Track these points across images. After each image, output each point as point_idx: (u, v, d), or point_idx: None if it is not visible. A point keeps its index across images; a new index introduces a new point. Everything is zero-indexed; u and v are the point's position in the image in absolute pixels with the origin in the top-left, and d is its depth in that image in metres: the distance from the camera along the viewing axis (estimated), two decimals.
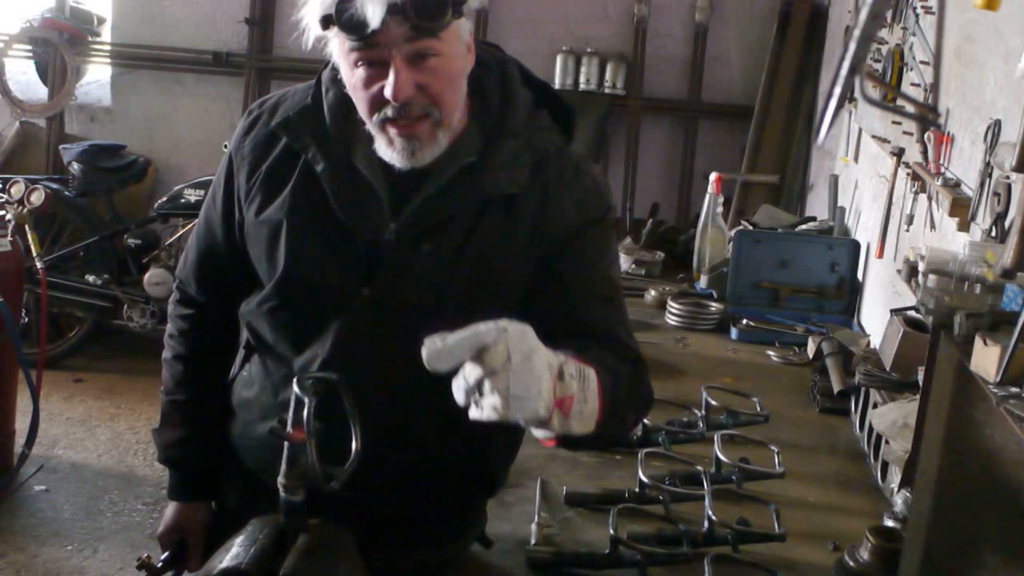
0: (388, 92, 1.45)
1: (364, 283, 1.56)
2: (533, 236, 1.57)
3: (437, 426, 1.62)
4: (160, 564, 1.76)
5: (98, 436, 4.58)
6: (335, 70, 1.58)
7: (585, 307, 1.58)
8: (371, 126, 1.52)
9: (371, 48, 1.44)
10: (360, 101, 1.51)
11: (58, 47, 5.68)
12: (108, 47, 5.90)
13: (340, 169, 1.57)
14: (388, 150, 1.51)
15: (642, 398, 1.56)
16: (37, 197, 4.71)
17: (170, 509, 1.82)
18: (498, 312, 1.56)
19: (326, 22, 1.45)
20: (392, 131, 1.49)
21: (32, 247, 4.58)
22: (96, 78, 5.97)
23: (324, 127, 1.59)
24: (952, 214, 2.37)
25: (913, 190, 2.86)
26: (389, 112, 1.47)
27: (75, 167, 5.31)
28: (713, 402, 2.37)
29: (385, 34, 1.42)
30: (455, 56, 1.49)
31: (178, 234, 5.20)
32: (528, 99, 1.62)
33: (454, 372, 1.58)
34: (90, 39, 5.84)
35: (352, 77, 1.50)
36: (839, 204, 4.09)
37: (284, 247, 1.59)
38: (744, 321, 3.26)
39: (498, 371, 1.15)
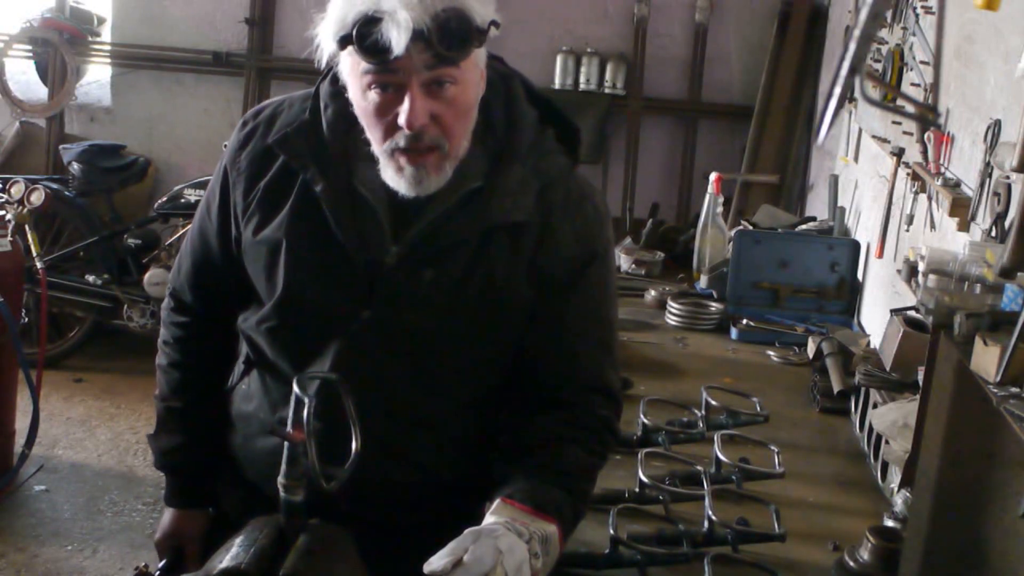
0: (402, 120, 1.42)
1: (364, 305, 1.54)
2: (533, 262, 1.56)
3: (436, 444, 1.61)
4: (157, 572, 1.75)
5: (98, 436, 4.58)
6: (334, 84, 1.55)
7: (581, 352, 1.60)
8: (380, 152, 1.49)
9: (388, 73, 1.42)
10: (372, 127, 1.48)
11: (58, 47, 5.68)
12: (108, 47, 5.90)
13: (340, 190, 1.54)
14: (396, 177, 1.49)
15: (604, 458, 1.64)
16: (37, 197, 4.71)
17: (167, 515, 1.81)
18: (499, 339, 1.59)
19: (344, 42, 1.42)
20: (402, 160, 1.47)
21: (32, 247, 4.59)
22: (96, 78, 5.97)
23: (323, 145, 1.56)
24: (952, 214, 2.37)
25: (913, 190, 2.86)
26: (401, 142, 1.45)
27: (75, 167, 5.31)
28: (713, 402, 2.37)
29: (405, 60, 1.39)
30: (471, 84, 1.48)
31: (178, 234, 5.20)
32: (533, 118, 1.60)
33: (458, 393, 1.59)
34: (90, 39, 5.84)
35: (363, 100, 1.47)
36: (839, 204, 4.09)
37: (283, 268, 1.57)
38: (744, 321, 3.26)
39: None
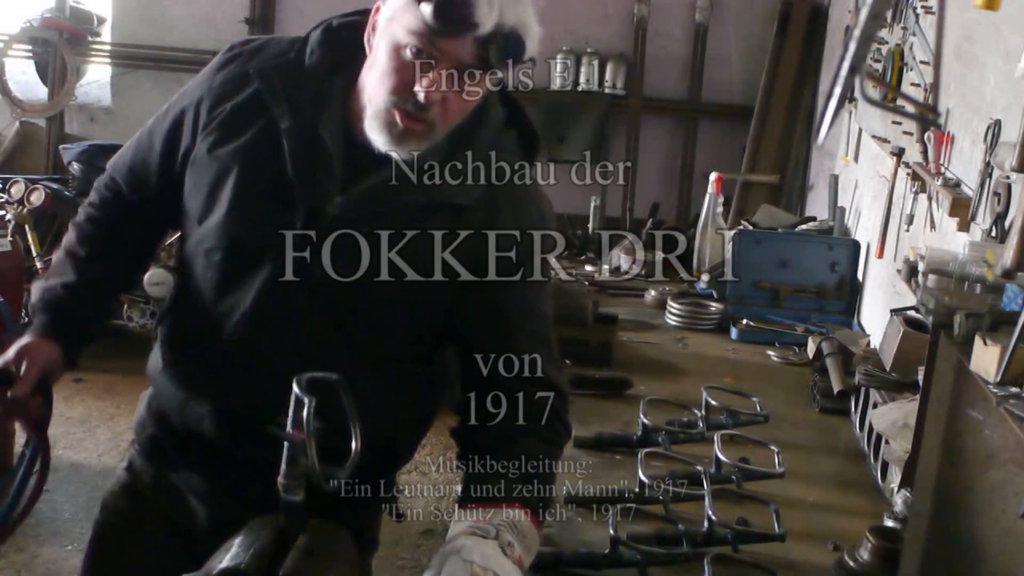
0: (419, 86, 1.47)
1: (298, 247, 1.57)
2: (470, 250, 1.59)
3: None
4: None
5: (98, 436, 4.58)
6: (327, 32, 1.61)
7: (522, 347, 1.61)
8: (378, 102, 1.52)
9: (433, 47, 1.46)
10: (386, 77, 1.51)
11: (58, 47, 5.69)
12: (108, 47, 5.90)
13: (304, 131, 1.58)
14: (382, 130, 1.52)
15: (559, 446, 1.63)
16: (37, 197, 4.72)
17: (18, 342, 1.74)
18: (419, 311, 1.61)
19: None
20: (397, 115, 1.51)
21: (32, 247, 4.59)
22: (96, 78, 5.98)
23: (299, 86, 1.60)
24: (952, 214, 2.37)
25: (913, 190, 2.86)
26: (408, 105, 1.49)
27: (75, 167, 5.31)
28: (713, 402, 2.37)
29: (457, 47, 1.45)
30: (481, 92, 1.53)
31: (177, 234, 5.19)
32: (500, 117, 1.65)
33: (370, 355, 1.61)
34: (90, 39, 5.85)
35: (390, 53, 1.50)
36: (839, 204, 4.09)
37: (230, 192, 1.60)
38: (744, 321, 3.26)
39: None
